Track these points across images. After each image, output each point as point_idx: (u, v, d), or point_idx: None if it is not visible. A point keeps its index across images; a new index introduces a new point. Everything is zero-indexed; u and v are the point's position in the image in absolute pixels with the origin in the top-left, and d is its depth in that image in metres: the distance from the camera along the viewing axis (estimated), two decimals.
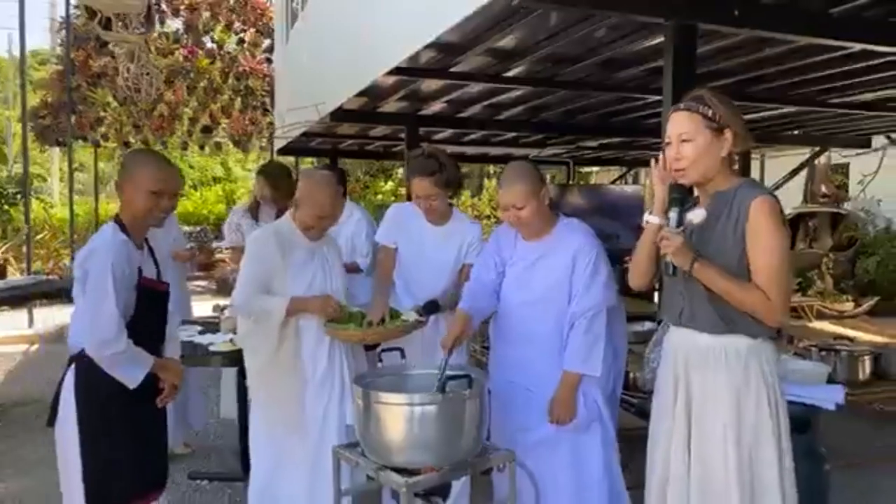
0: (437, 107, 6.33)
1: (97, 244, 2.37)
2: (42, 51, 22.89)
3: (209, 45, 12.11)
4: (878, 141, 8.56)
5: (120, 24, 6.44)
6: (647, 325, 4.40)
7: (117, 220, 2.44)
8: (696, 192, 2.22)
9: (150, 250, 2.56)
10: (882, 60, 4.36)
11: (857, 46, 3.79)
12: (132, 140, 11.71)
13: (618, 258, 4.64)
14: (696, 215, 2.12)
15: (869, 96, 5.66)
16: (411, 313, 2.98)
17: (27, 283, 7.20)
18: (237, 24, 12.15)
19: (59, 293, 7.01)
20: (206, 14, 11.83)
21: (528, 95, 5.87)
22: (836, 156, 9.91)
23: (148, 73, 6.96)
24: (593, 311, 2.67)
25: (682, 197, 2.12)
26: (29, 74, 14.06)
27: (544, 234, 2.79)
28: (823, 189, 10.28)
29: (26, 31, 11.21)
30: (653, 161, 2.21)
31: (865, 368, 3.95)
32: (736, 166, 2.27)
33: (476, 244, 3.22)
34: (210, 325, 4.14)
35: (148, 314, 2.45)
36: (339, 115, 6.26)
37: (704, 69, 4.37)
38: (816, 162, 9.55)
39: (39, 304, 8.47)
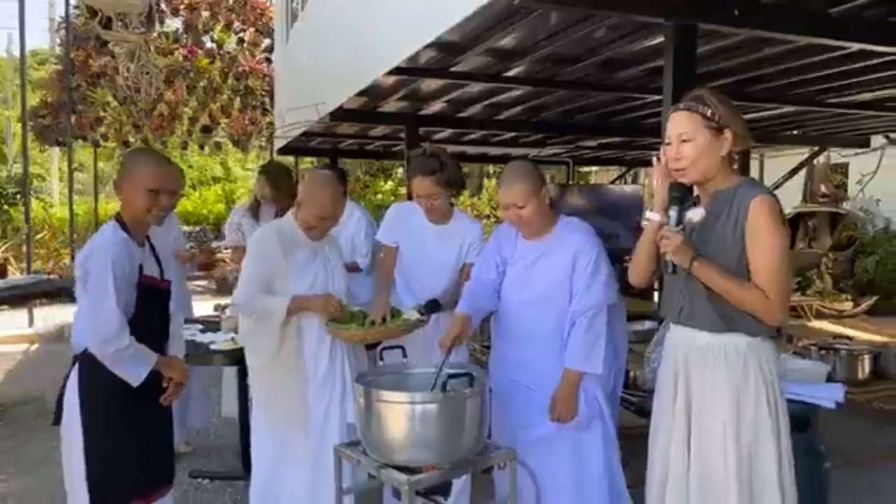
0: (437, 106, 6.34)
1: (97, 243, 2.38)
2: (42, 50, 22.87)
3: (209, 44, 12.12)
4: (877, 140, 8.57)
5: (120, 23, 6.44)
6: (647, 324, 4.42)
7: (118, 218, 2.45)
8: (696, 191, 2.23)
9: (153, 248, 2.57)
10: (881, 60, 4.37)
11: (857, 46, 3.80)
12: (132, 140, 11.72)
13: (617, 258, 4.65)
14: (696, 214, 2.13)
15: (867, 96, 5.67)
16: (412, 312, 2.98)
17: (27, 283, 7.19)
18: (237, 24, 12.16)
19: (59, 293, 7.02)
20: (206, 14, 11.84)
21: (527, 95, 5.88)
22: (836, 155, 9.94)
23: (148, 73, 6.97)
24: (594, 310, 2.68)
25: (681, 196, 2.13)
26: (29, 74, 14.05)
27: (545, 234, 2.80)
28: (822, 189, 10.32)
29: (26, 30, 11.21)
30: (655, 159, 2.21)
31: (865, 367, 3.98)
32: (736, 165, 2.27)
33: (477, 243, 3.23)
34: (211, 325, 4.15)
35: (150, 311, 2.46)
36: (339, 114, 6.26)
37: (704, 69, 4.38)
38: (815, 162, 9.57)
39: (39, 303, 8.48)
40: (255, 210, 4.75)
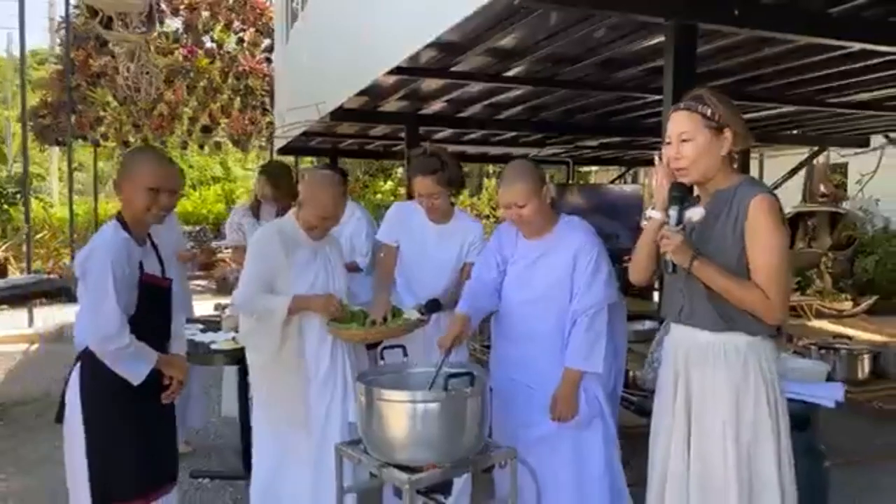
0: (437, 106, 6.35)
1: (97, 243, 2.38)
2: (42, 50, 22.83)
3: (209, 44, 12.11)
4: (877, 140, 8.58)
5: (120, 23, 6.44)
6: (648, 323, 4.42)
7: (119, 217, 2.45)
8: (696, 191, 2.24)
9: (154, 246, 2.57)
10: (880, 60, 4.37)
11: (856, 46, 3.81)
12: (132, 139, 11.71)
13: (617, 258, 4.66)
14: (696, 213, 2.14)
15: (867, 96, 5.68)
16: (413, 312, 2.99)
17: (27, 283, 7.19)
18: (237, 24, 12.15)
19: (59, 292, 7.03)
20: (206, 14, 11.83)
21: (527, 95, 5.88)
22: (835, 155, 9.94)
23: (148, 73, 6.98)
24: (595, 309, 2.69)
25: (682, 195, 2.13)
26: (29, 74, 14.04)
27: (545, 233, 2.80)
28: (822, 188, 10.33)
29: (26, 30, 11.21)
30: (656, 158, 2.22)
31: (864, 367, 3.98)
32: (736, 165, 2.28)
33: (477, 243, 3.23)
34: (211, 324, 4.15)
35: (151, 310, 2.47)
36: (340, 114, 6.26)
37: (704, 69, 4.38)
38: (815, 161, 9.57)
39: (39, 303, 8.49)
40: (255, 210, 4.75)
